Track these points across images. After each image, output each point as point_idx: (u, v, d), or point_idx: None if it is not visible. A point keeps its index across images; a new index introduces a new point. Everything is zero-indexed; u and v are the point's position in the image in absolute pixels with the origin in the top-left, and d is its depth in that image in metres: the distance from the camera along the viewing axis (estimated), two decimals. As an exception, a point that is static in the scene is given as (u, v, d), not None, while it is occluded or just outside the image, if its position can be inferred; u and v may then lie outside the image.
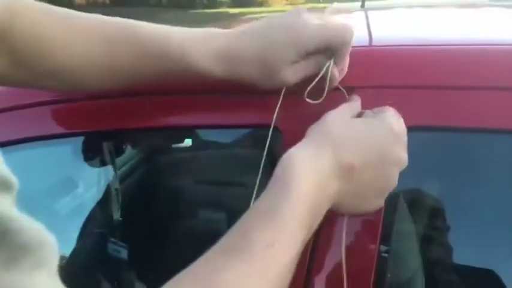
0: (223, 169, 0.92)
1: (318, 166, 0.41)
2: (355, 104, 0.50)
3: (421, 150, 0.55)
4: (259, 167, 0.68)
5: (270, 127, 0.52)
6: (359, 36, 0.73)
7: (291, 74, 0.49)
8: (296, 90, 0.49)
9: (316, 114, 0.52)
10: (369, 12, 1.03)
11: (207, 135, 0.82)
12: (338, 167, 0.42)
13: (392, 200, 0.52)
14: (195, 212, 0.96)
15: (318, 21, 0.48)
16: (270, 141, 0.51)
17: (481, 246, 0.55)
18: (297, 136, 0.53)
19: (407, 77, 0.54)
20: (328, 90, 0.49)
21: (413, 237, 0.55)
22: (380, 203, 0.46)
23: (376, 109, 0.48)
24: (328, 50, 0.48)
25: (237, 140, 0.75)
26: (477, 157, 0.56)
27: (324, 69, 0.48)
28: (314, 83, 0.49)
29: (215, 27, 0.52)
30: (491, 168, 0.56)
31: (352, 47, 0.49)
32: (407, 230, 0.56)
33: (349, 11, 1.16)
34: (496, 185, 0.55)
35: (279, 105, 0.51)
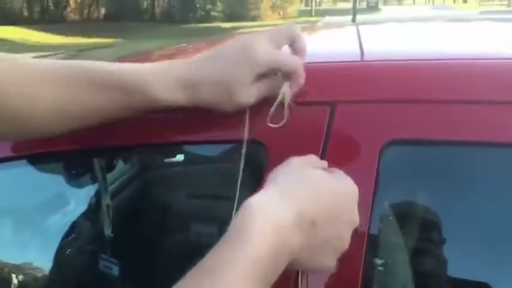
0: (213, 183, 0.92)
1: (282, 219, 0.40)
2: (323, 162, 0.50)
3: (404, 163, 0.56)
4: (248, 181, 0.69)
5: (256, 143, 0.53)
6: (344, 51, 0.75)
7: (248, 96, 0.51)
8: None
9: (300, 129, 0.53)
10: (360, 27, 1.05)
11: (196, 150, 0.83)
12: (301, 222, 0.41)
13: (377, 212, 0.52)
14: (187, 227, 0.96)
15: (269, 45, 0.51)
16: (255, 157, 0.52)
17: (465, 258, 0.55)
18: (282, 151, 0.54)
19: (388, 91, 0.55)
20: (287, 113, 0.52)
21: (399, 249, 0.56)
22: (333, 262, 0.46)
23: (328, 169, 0.49)
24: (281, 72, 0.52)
25: (225, 154, 0.76)
26: (460, 170, 0.57)
27: (280, 96, 0.51)
28: (274, 108, 0.51)
29: (208, 41, 0.54)
30: (474, 181, 0.56)
31: (334, 61, 0.50)
32: (394, 242, 0.56)
33: (340, 25, 1.18)
34: (480, 197, 0.56)
35: (247, 123, 0.52)
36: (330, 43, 0.93)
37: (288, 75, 0.52)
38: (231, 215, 0.68)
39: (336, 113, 0.54)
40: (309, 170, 0.46)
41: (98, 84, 0.51)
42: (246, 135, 0.52)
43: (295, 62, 0.52)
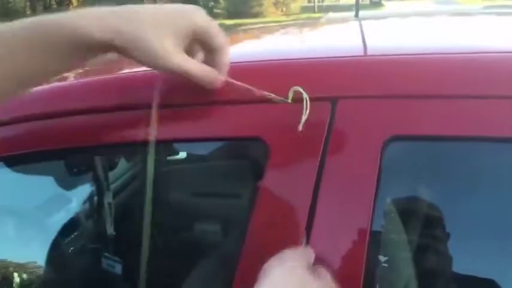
0: (216, 181, 0.92)
1: None
2: (311, 254, 0.50)
3: (406, 158, 0.56)
4: (251, 179, 0.68)
5: (257, 140, 0.52)
6: (347, 47, 0.74)
7: (181, 57, 0.50)
8: None
9: (297, 124, 0.52)
10: (362, 22, 1.04)
11: (198, 148, 0.82)
12: None
13: (380, 208, 0.52)
14: (189, 225, 0.96)
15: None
16: (256, 154, 0.51)
17: (469, 254, 0.55)
18: (284, 148, 0.53)
19: (389, 86, 0.54)
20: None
21: (401, 246, 0.55)
22: None
23: (316, 267, 0.48)
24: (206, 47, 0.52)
25: (228, 151, 0.75)
26: (462, 165, 0.56)
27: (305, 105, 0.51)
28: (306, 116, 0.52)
29: None
30: (476, 176, 0.56)
31: (335, 57, 0.49)
32: (397, 239, 0.56)
33: (342, 21, 1.17)
34: (481, 193, 0.55)
35: (154, 116, 0.52)
36: (332, 39, 0.93)
37: (214, 52, 0.52)
38: (234, 212, 0.68)
39: (336, 109, 0.54)
40: (306, 278, 0.45)
41: (34, 34, 0.49)
42: (153, 131, 0.51)
43: (225, 41, 0.52)
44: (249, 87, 0.53)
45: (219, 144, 0.60)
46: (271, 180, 0.53)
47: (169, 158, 0.97)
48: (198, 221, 0.93)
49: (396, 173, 0.54)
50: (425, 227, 0.56)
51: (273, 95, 0.53)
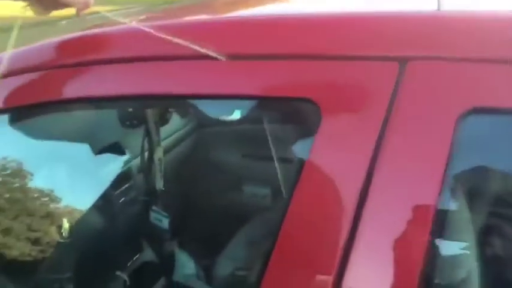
0: (267, 143, 0.88)
1: None
2: None
3: (481, 133, 0.47)
4: (303, 143, 0.63)
5: (306, 101, 0.47)
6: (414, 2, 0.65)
7: None
8: None
9: (360, 87, 0.46)
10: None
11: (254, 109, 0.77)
12: None
13: (447, 189, 0.45)
14: (237, 185, 0.94)
15: None
16: (304, 115, 0.46)
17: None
18: (335, 108, 0.47)
19: (472, 47, 0.46)
20: None
21: (471, 227, 0.48)
22: None
23: None
24: None
25: (280, 113, 0.70)
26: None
27: None
28: None
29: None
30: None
31: (406, 12, 0.42)
32: (465, 219, 0.49)
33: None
34: None
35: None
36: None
37: None
38: (282, 176, 0.63)
39: (406, 71, 0.46)
40: None
41: None
42: None
43: None
44: (188, 43, 0.53)
45: (267, 104, 0.54)
46: (322, 144, 0.48)
47: (217, 118, 0.93)
48: (244, 183, 0.90)
49: (473, 153, 0.46)
50: (499, 207, 0.49)
51: (209, 52, 0.52)
